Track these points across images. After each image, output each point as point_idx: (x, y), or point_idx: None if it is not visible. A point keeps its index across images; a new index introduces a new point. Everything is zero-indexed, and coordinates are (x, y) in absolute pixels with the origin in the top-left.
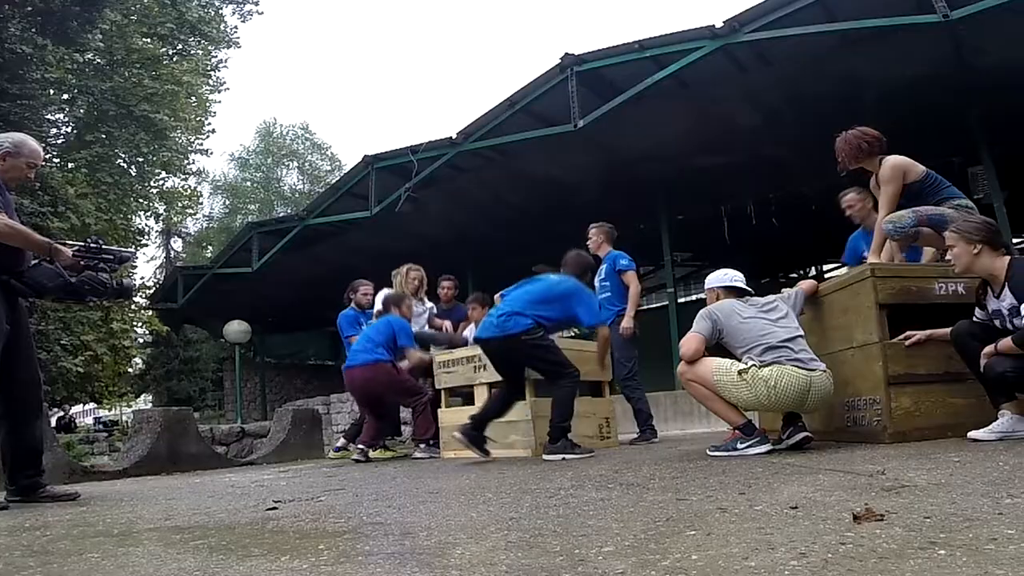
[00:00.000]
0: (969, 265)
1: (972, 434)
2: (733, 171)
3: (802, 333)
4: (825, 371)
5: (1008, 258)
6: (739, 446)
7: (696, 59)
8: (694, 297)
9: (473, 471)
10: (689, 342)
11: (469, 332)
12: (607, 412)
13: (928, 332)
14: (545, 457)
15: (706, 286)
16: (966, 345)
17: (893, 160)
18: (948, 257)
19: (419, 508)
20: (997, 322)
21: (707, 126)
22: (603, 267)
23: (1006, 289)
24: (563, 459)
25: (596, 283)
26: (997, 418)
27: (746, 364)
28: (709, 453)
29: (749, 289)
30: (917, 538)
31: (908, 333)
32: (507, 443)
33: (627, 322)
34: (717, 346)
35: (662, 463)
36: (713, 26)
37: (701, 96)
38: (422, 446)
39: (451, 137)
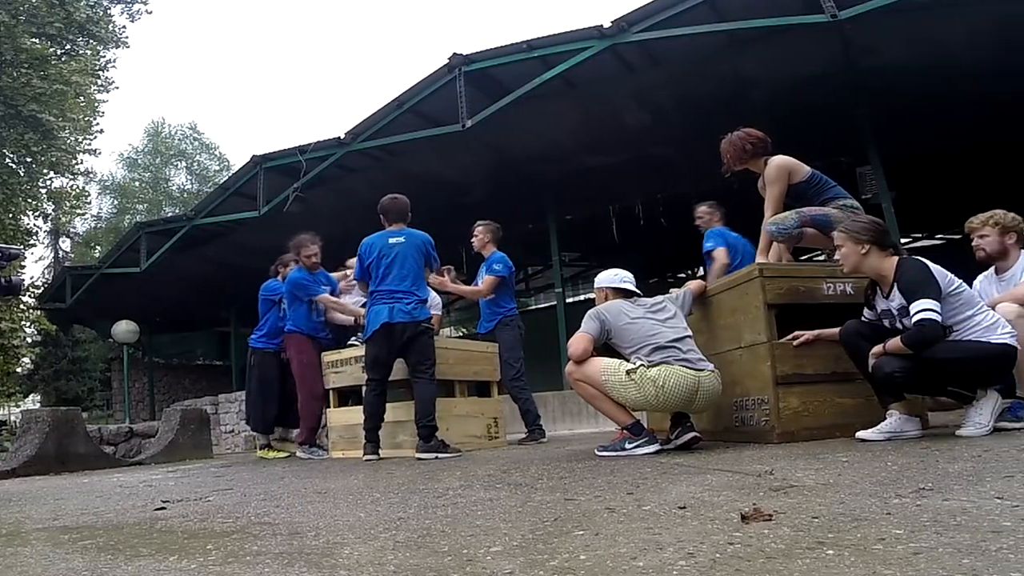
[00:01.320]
0: (857, 265)
1: (860, 434)
2: (621, 171)
3: (690, 333)
4: (713, 371)
5: (896, 258)
6: (627, 446)
7: (584, 59)
8: (582, 297)
9: (361, 471)
10: (577, 342)
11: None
12: (495, 412)
13: (816, 332)
14: (418, 456)
15: (596, 285)
16: (855, 345)
17: (778, 160)
18: (836, 257)
19: (307, 508)
20: (886, 322)
21: (595, 126)
22: (483, 268)
23: (895, 289)
24: (436, 458)
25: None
26: (885, 418)
27: (634, 364)
28: (597, 453)
29: (637, 291)
30: (805, 538)
31: (796, 333)
32: (395, 443)
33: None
34: (605, 346)
35: (550, 463)
36: (601, 26)
37: (589, 96)
38: (305, 446)
39: (339, 137)
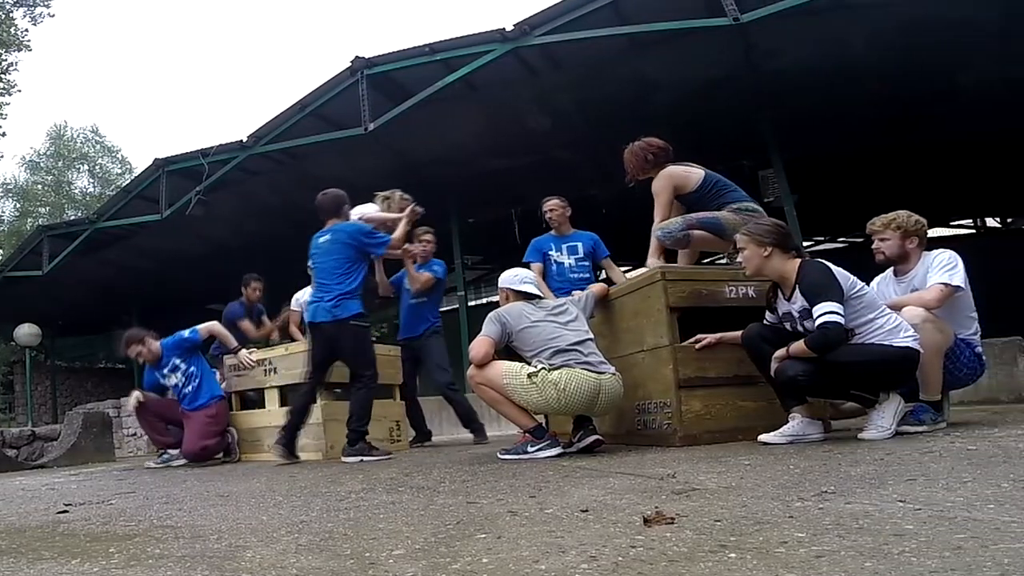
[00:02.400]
0: (760, 267)
1: (763, 437)
2: (524, 174)
3: (591, 336)
4: (615, 374)
5: (799, 261)
6: (530, 449)
7: (486, 62)
8: (485, 300)
9: (264, 474)
10: (478, 346)
11: None
12: (398, 415)
13: (719, 335)
14: (343, 459)
15: (499, 285)
16: (757, 349)
17: (666, 171)
18: (739, 259)
19: (210, 511)
20: (788, 325)
21: (498, 129)
22: (420, 269)
23: (796, 292)
24: (360, 461)
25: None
26: (787, 421)
27: (535, 367)
28: (500, 456)
29: (538, 293)
30: (707, 541)
31: (699, 336)
32: (298, 446)
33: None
34: (507, 349)
35: (452, 466)
36: (504, 29)
37: (492, 99)
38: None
39: (242, 140)
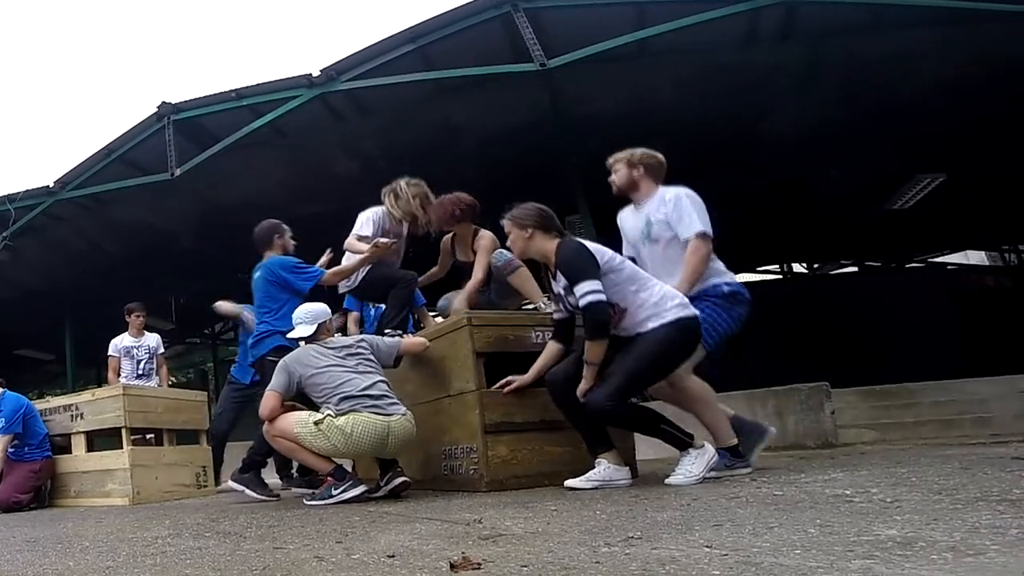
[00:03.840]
0: (524, 249)
1: (569, 483)
2: (332, 219)
3: (382, 378)
4: (405, 414)
5: (558, 240)
6: (334, 492)
7: (293, 108)
8: (297, 337)
9: (70, 519)
10: (265, 401)
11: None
12: (204, 460)
13: (531, 376)
14: (229, 482)
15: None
16: (561, 391)
17: (491, 235)
18: (508, 244)
19: (16, 557)
20: (560, 305)
21: (306, 175)
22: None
23: (558, 271)
24: (243, 491)
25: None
26: (594, 466)
27: (322, 414)
28: (306, 503)
29: (305, 335)
30: None
31: (510, 378)
32: (104, 491)
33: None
34: (302, 394)
35: (259, 511)
36: (310, 75)
37: (299, 145)
38: None
39: (48, 186)
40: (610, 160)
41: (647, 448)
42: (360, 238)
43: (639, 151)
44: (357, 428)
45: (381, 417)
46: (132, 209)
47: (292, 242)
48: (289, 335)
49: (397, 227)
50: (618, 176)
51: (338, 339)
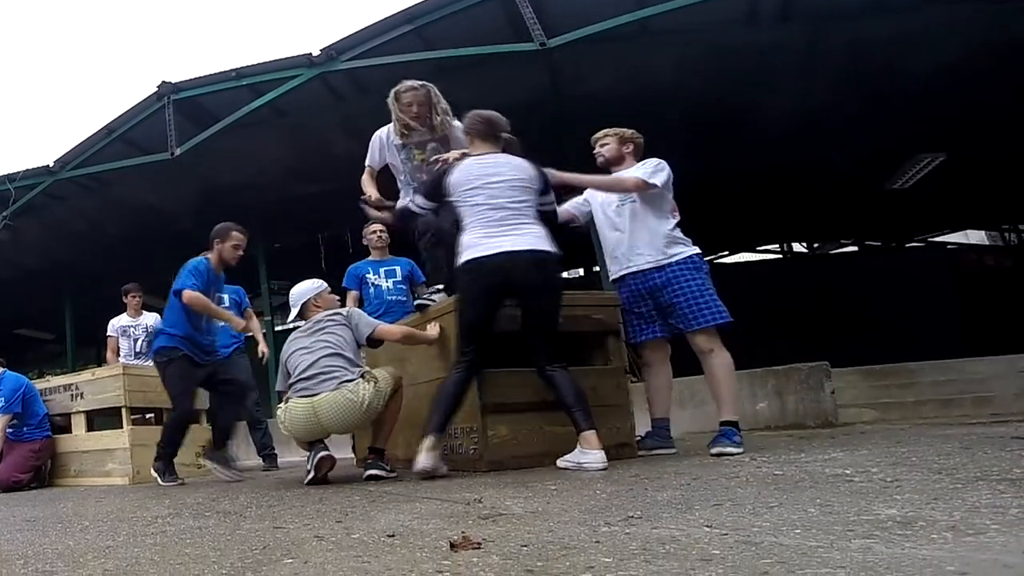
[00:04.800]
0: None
1: (559, 462)
2: (331, 199)
3: (334, 350)
4: (337, 388)
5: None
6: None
7: (293, 87)
8: (291, 325)
9: (70, 499)
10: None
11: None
12: (203, 440)
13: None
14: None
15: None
16: None
17: None
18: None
19: (16, 536)
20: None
21: (305, 154)
22: (225, 297)
23: None
24: (156, 482)
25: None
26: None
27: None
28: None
29: (291, 325)
30: (514, 566)
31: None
32: (104, 471)
33: (265, 348)
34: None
35: (259, 491)
36: (310, 54)
37: (299, 124)
38: None
39: (48, 165)
40: (598, 134)
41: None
42: (367, 167)
43: (628, 130)
44: (287, 417)
45: (305, 400)
46: (132, 189)
47: (235, 251)
48: (291, 324)
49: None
50: (607, 149)
51: (320, 314)
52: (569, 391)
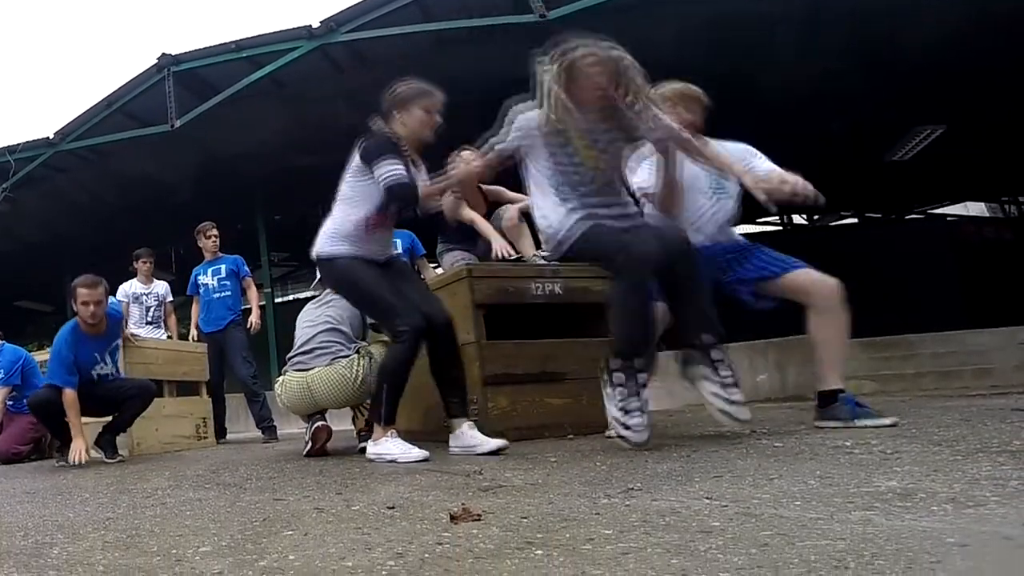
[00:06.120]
0: None
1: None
2: (331, 171)
3: (332, 324)
4: (331, 364)
5: None
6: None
7: (293, 59)
8: (291, 297)
9: (70, 471)
10: None
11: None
12: (204, 412)
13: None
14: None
15: None
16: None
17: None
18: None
19: (16, 508)
20: None
21: (305, 126)
22: (223, 267)
23: None
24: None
25: (216, 282)
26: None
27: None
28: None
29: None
30: (514, 538)
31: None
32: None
33: (256, 320)
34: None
35: (259, 463)
36: (310, 26)
37: (299, 96)
38: None
39: (48, 137)
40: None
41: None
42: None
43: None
44: (284, 392)
45: (299, 375)
46: (132, 160)
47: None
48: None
49: None
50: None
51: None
52: None
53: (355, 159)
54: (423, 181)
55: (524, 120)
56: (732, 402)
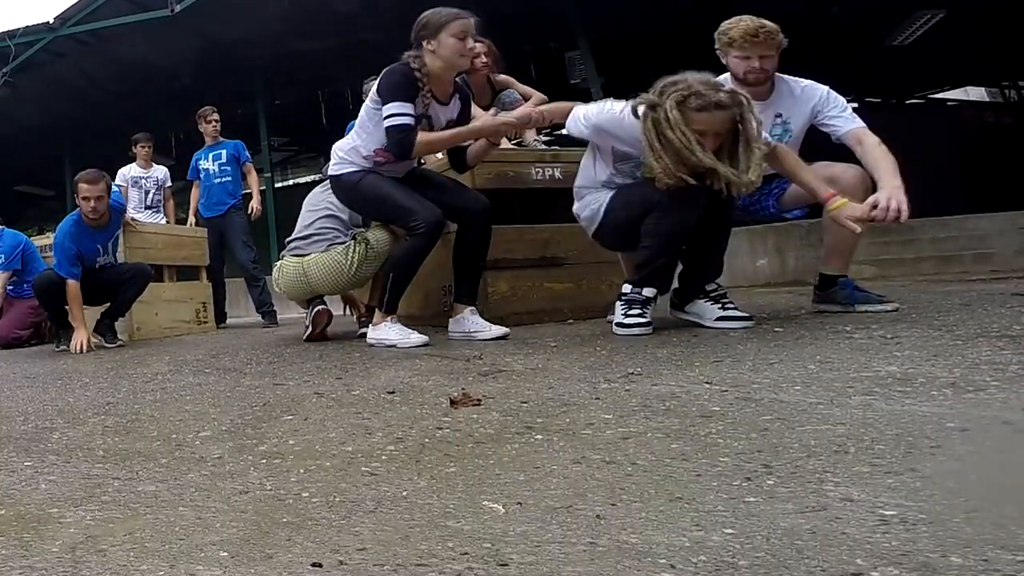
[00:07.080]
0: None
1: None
2: (331, 55)
3: (331, 212)
4: (326, 250)
5: None
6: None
7: None
8: (291, 182)
9: (70, 356)
10: None
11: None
12: (204, 296)
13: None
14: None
15: None
16: None
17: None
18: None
19: (16, 393)
20: None
21: (305, 10)
22: (223, 152)
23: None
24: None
25: (217, 167)
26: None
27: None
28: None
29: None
30: (514, 423)
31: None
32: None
33: (257, 205)
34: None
35: (259, 348)
36: None
37: None
38: None
39: (48, 22)
40: (763, 32)
41: None
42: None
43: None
44: (281, 276)
45: (296, 259)
46: (132, 45)
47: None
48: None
49: None
50: (771, 64)
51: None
52: None
53: (374, 89)
54: (449, 119)
55: (618, 128)
56: (737, 318)
